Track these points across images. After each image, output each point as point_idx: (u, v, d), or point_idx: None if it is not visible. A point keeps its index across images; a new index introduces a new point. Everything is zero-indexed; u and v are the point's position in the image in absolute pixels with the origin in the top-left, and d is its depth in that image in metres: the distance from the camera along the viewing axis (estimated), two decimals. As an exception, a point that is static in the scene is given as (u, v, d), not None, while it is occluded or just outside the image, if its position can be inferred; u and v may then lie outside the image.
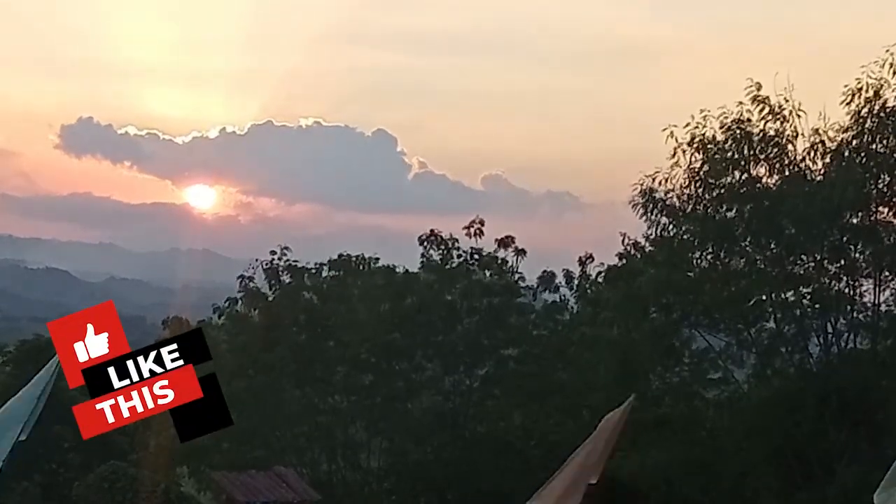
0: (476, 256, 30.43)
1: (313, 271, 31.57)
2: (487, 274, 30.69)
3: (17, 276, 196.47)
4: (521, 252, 30.60)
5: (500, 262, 30.58)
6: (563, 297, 30.90)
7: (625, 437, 24.69)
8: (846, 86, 22.44)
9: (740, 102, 23.28)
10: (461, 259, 30.49)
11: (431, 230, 30.41)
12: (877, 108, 22.28)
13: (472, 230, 30.24)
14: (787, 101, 23.13)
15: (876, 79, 22.32)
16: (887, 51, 22.29)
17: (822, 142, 23.10)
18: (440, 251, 30.40)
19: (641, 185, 24.16)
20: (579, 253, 30.29)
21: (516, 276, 30.72)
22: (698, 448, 24.29)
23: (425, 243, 30.31)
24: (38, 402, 6.53)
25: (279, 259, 30.99)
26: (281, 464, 26.45)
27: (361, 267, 31.76)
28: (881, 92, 22.33)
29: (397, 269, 31.22)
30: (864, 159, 22.59)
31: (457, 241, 30.38)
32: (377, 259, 31.95)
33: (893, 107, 22.31)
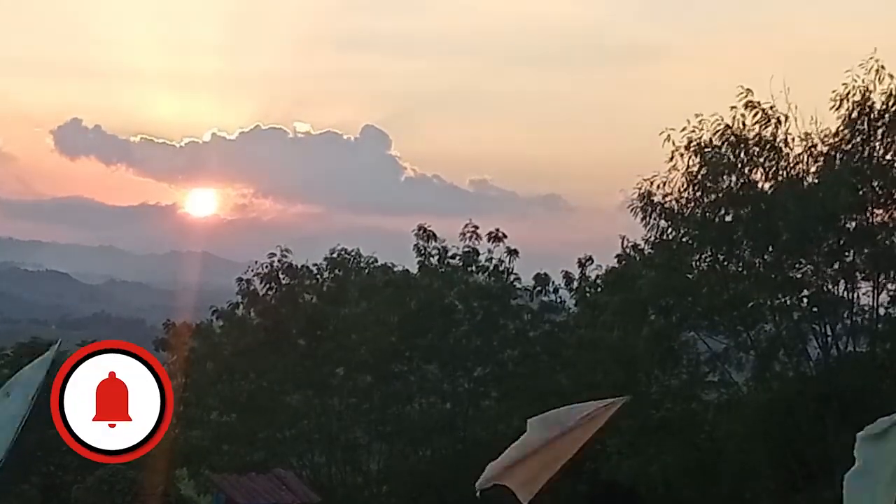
0: (473, 258, 30.48)
1: (314, 271, 31.59)
2: (483, 276, 30.71)
3: (17, 278, 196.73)
4: (513, 252, 30.60)
5: (495, 264, 30.59)
6: (560, 299, 30.91)
7: (622, 439, 24.68)
8: (834, 91, 22.55)
9: (733, 107, 23.35)
10: (457, 261, 30.55)
11: (420, 225, 30.50)
12: (866, 110, 22.34)
13: (466, 234, 30.34)
14: (777, 104, 23.19)
15: (862, 83, 22.38)
16: (871, 58, 22.38)
17: (816, 145, 23.17)
18: (436, 252, 30.47)
19: (640, 188, 24.24)
20: (569, 254, 30.39)
21: (511, 276, 30.76)
22: (697, 451, 24.33)
23: (419, 240, 30.38)
24: (32, 401, 6.56)
25: (279, 261, 30.98)
26: (281, 466, 26.44)
27: (359, 265, 31.78)
28: (868, 95, 22.38)
29: (395, 268, 31.23)
30: (857, 162, 22.65)
31: (445, 246, 30.45)
32: (375, 259, 31.98)
33: (881, 110, 22.37)
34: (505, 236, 30.48)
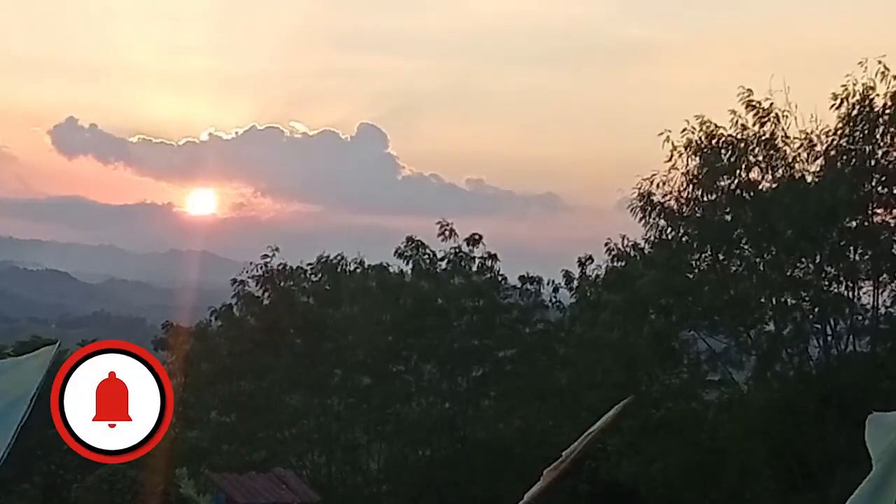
0: (464, 261, 30.49)
1: (309, 273, 31.54)
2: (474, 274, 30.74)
3: (17, 277, 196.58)
4: (493, 256, 30.63)
5: (481, 263, 30.63)
6: (555, 298, 30.91)
7: (623, 438, 24.67)
8: (833, 93, 22.54)
9: (732, 111, 23.34)
10: (447, 261, 30.56)
11: (409, 237, 30.51)
12: (866, 108, 22.32)
13: (445, 232, 30.31)
14: (773, 104, 23.18)
15: (862, 84, 22.37)
16: (865, 65, 22.37)
17: (815, 144, 23.16)
18: (427, 258, 30.44)
19: (639, 188, 24.23)
20: (568, 253, 30.37)
21: (498, 277, 30.79)
22: (698, 450, 24.30)
23: (409, 251, 30.37)
24: (31, 401, 6.54)
25: (272, 260, 30.93)
26: (281, 465, 26.45)
27: (346, 269, 31.66)
28: (868, 94, 22.36)
29: (390, 268, 31.15)
30: (857, 161, 22.64)
31: (431, 250, 30.44)
32: (362, 262, 31.81)
33: (880, 108, 22.35)
34: (481, 237, 30.54)
